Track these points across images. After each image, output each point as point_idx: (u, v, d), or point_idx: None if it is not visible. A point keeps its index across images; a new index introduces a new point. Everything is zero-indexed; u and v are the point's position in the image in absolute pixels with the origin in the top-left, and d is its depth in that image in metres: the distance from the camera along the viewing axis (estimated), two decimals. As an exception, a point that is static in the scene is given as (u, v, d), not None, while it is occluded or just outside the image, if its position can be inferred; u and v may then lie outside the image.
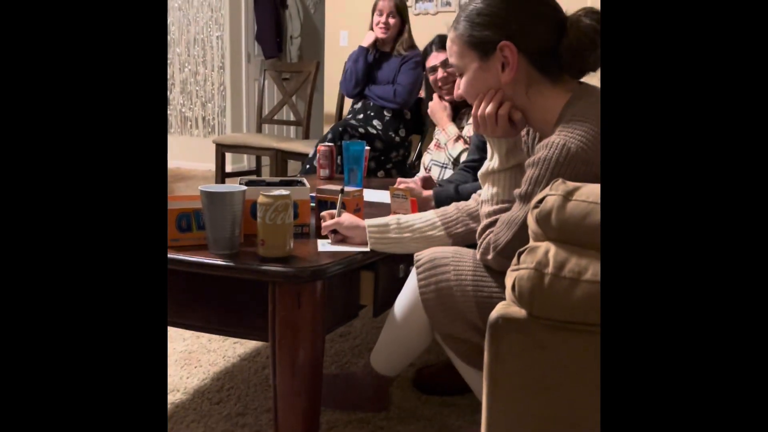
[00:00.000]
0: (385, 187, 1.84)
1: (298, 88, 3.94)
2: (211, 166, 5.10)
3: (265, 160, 4.73)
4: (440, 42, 2.09)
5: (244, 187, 1.18)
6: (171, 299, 1.22)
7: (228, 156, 3.95)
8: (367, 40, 2.82)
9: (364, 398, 1.40)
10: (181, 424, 1.39)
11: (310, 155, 2.66)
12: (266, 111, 4.13)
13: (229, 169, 4.17)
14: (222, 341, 1.82)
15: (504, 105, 1.09)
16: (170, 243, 1.19)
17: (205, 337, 1.85)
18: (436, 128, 2.22)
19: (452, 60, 1.14)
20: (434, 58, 2.10)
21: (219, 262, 1.11)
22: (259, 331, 1.17)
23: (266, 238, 1.13)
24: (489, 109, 1.09)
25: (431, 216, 1.30)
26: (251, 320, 1.18)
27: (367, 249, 1.26)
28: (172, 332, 1.88)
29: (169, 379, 1.59)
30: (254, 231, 1.17)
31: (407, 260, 1.33)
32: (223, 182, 3.79)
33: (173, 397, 1.51)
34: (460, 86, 1.14)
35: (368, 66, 2.82)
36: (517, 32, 1.06)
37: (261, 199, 1.12)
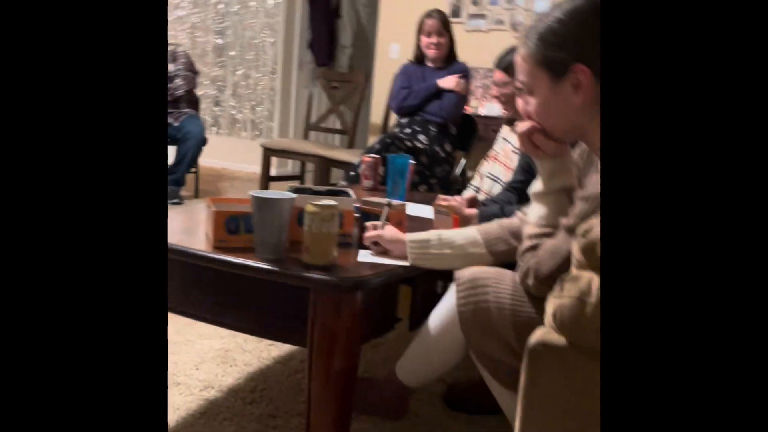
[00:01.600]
0: (427, 202, 1.85)
1: (347, 98, 3.99)
2: (255, 168, 5.19)
3: (309, 166, 4.80)
4: (503, 64, 2.01)
5: (294, 195, 1.21)
6: (213, 297, 1.26)
7: (273, 160, 4.03)
8: (448, 83, 2.79)
9: (382, 403, 1.41)
10: (214, 421, 1.42)
11: (356, 164, 2.69)
12: (314, 118, 4.19)
13: (273, 172, 4.25)
14: (257, 342, 1.86)
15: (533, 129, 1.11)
16: (218, 244, 1.23)
17: (241, 336, 1.89)
18: (496, 140, 2.22)
19: (521, 77, 1.10)
20: (495, 74, 2.08)
21: (264, 266, 1.14)
22: (297, 335, 1.19)
23: (311, 246, 1.16)
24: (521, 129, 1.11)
25: (473, 232, 1.31)
26: (290, 325, 1.20)
27: (407, 263, 1.27)
28: (210, 330, 1.92)
29: (205, 376, 1.63)
30: (299, 238, 1.20)
31: (446, 276, 1.34)
32: (267, 185, 3.86)
33: (208, 394, 1.55)
34: (531, 107, 1.10)
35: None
36: (592, 54, 1.02)
37: (309, 208, 1.15)
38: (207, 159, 5.40)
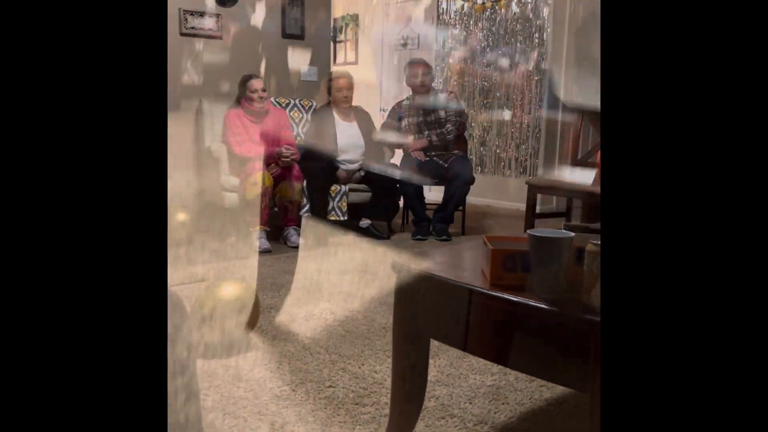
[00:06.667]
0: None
1: (617, 130, 3.80)
2: (519, 205, 5.21)
3: (576, 203, 4.65)
4: None
5: (572, 234, 1.18)
6: (487, 333, 1.29)
7: (537, 196, 4.00)
8: None
9: None
10: (489, 457, 1.43)
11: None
12: (580, 153, 4.07)
13: (538, 209, 4.21)
14: (529, 382, 1.83)
15: None
16: (495, 281, 1.26)
17: (512, 374, 1.88)
18: None
19: None
20: None
21: (544, 306, 1.13)
22: (575, 379, 1.15)
23: (592, 287, 1.11)
24: None
25: None
26: (568, 367, 1.16)
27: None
28: (481, 364, 1.96)
29: (477, 411, 1.66)
30: (578, 278, 1.16)
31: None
32: (533, 223, 3.84)
33: (481, 429, 1.57)
34: None
35: None
36: None
37: (590, 248, 1.11)
38: (473, 197, 5.59)
